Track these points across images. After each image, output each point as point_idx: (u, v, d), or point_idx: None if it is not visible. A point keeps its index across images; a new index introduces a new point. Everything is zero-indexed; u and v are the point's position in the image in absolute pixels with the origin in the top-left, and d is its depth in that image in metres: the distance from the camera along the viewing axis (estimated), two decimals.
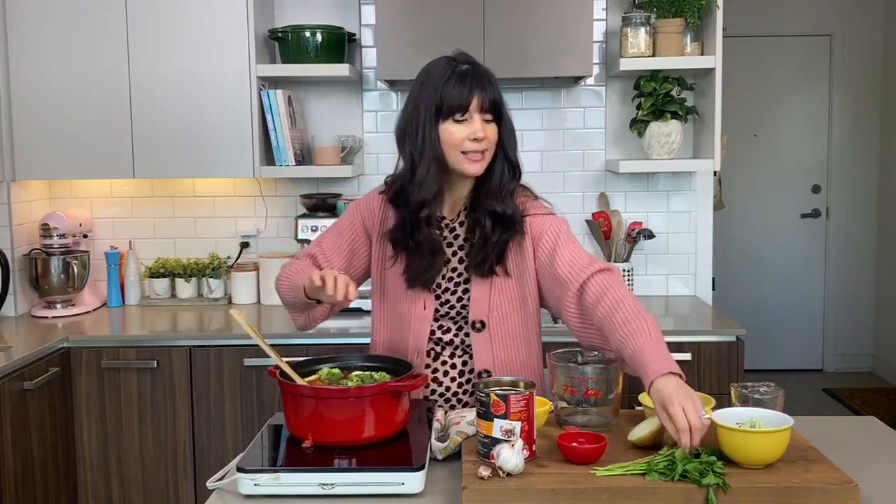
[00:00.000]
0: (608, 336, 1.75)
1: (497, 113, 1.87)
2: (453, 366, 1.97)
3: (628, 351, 1.67)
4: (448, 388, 1.97)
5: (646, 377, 1.62)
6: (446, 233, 1.96)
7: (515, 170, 1.92)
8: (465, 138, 1.84)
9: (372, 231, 1.98)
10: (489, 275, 1.92)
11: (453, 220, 1.97)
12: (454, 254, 1.95)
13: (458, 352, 1.97)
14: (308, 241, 3.26)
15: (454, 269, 1.95)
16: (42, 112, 3.18)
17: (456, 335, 1.96)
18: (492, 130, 1.87)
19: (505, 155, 1.90)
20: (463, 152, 1.84)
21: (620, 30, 3.22)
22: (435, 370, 1.97)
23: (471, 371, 1.97)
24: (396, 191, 1.91)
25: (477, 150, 1.84)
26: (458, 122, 1.84)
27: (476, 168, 1.86)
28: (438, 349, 1.97)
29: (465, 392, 1.97)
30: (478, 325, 1.94)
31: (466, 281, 1.94)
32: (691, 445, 1.50)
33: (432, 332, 1.96)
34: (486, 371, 1.95)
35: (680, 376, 1.60)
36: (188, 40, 3.15)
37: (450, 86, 1.83)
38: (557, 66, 3.10)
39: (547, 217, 1.97)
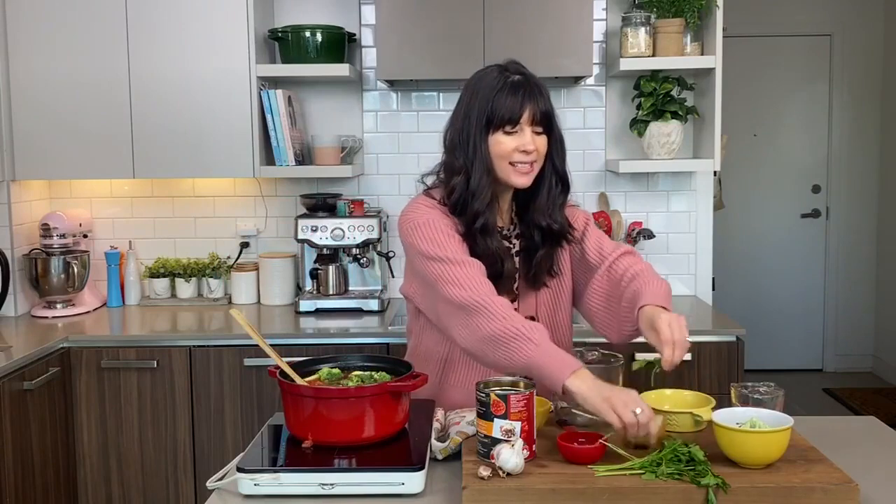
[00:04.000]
0: (623, 293, 1.84)
1: (547, 125, 1.86)
2: (512, 372, 1.97)
3: (630, 291, 1.80)
4: None
5: (639, 303, 1.74)
6: (507, 243, 1.95)
7: (565, 182, 1.92)
8: (514, 150, 1.82)
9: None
10: (541, 286, 1.96)
11: (510, 230, 1.97)
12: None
13: None
14: (308, 241, 3.26)
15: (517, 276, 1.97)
16: (42, 112, 3.18)
17: None
18: (541, 142, 1.86)
19: (554, 167, 1.89)
20: (511, 163, 1.83)
21: (620, 30, 3.22)
22: None
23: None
24: (455, 201, 1.87)
25: (526, 161, 1.83)
26: (508, 133, 1.83)
27: (524, 180, 1.86)
28: None
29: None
30: None
31: (517, 288, 1.97)
32: (672, 360, 1.64)
33: None
34: None
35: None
36: (188, 40, 3.15)
37: (501, 97, 1.81)
38: (557, 66, 3.10)
39: (577, 209, 2.04)
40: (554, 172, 1.90)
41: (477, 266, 1.80)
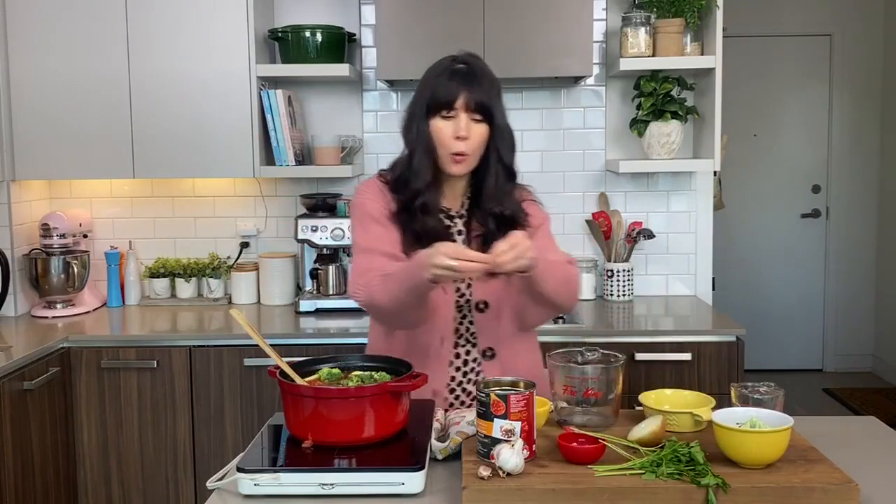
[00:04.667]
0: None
1: (486, 114, 1.89)
2: (457, 355, 2.00)
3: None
4: (453, 378, 1.99)
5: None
6: (448, 223, 1.99)
7: (510, 172, 1.95)
8: (450, 135, 1.88)
9: (391, 217, 1.98)
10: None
11: (458, 211, 2.01)
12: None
13: (462, 340, 2.00)
14: (308, 241, 3.27)
15: None
16: (42, 112, 3.18)
17: (461, 323, 1.99)
18: (479, 131, 1.89)
19: (498, 156, 1.93)
20: (450, 153, 1.89)
21: (620, 30, 3.22)
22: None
23: (473, 357, 1.99)
24: (396, 177, 1.96)
25: (460, 149, 1.88)
26: (445, 118, 1.88)
27: (458, 169, 1.91)
28: (452, 341, 1.99)
29: (469, 381, 2.00)
30: (481, 306, 1.98)
31: None
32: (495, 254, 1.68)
33: None
34: (490, 349, 1.99)
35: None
36: (188, 40, 3.15)
37: (441, 82, 1.89)
38: (557, 66, 3.10)
39: (537, 206, 2.05)
40: (498, 161, 1.93)
41: (379, 254, 1.88)
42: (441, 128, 1.88)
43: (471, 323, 1.99)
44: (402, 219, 1.93)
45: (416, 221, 1.92)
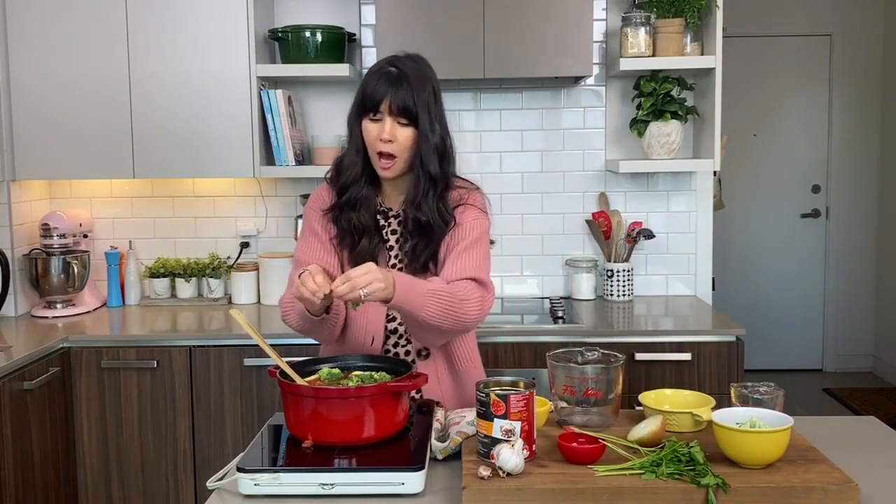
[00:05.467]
0: None
1: (410, 117, 1.88)
2: (396, 354, 2.00)
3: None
4: None
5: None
6: (383, 222, 2.01)
7: (433, 177, 1.92)
8: (376, 137, 1.89)
9: (325, 216, 2.03)
10: (423, 271, 1.96)
11: (396, 211, 2.01)
12: (391, 246, 2.00)
13: (402, 341, 2.00)
14: None
15: (396, 256, 2.00)
16: (42, 112, 3.18)
17: (400, 323, 1.99)
18: (405, 134, 1.89)
19: (421, 161, 1.91)
20: (377, 153, 1.90)
21: (620, 30, 3.22)
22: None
23: (412, 359, 2.00)
24: (332, 175, 2.01)
25: (385, 151, 1.89)
26: (373, 120, 1.90)
27: (386, 173, 1.93)
28: (382, 339, 2.00)
29: None
30: None
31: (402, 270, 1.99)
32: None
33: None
34: (426, 347, 1.99)
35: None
36: (188, 40, 3.15)
37: (370, 84, 1.90)
38: (557, 66, 3.10)
39: (474, 212, 1.99)
40: (420, 166, 1.92)
41: (302, 264, 1.92)
42: (370, 130, 1.90)
43: None
44: (333, 214, 1.98)
45: (343, 216, 1.96)
